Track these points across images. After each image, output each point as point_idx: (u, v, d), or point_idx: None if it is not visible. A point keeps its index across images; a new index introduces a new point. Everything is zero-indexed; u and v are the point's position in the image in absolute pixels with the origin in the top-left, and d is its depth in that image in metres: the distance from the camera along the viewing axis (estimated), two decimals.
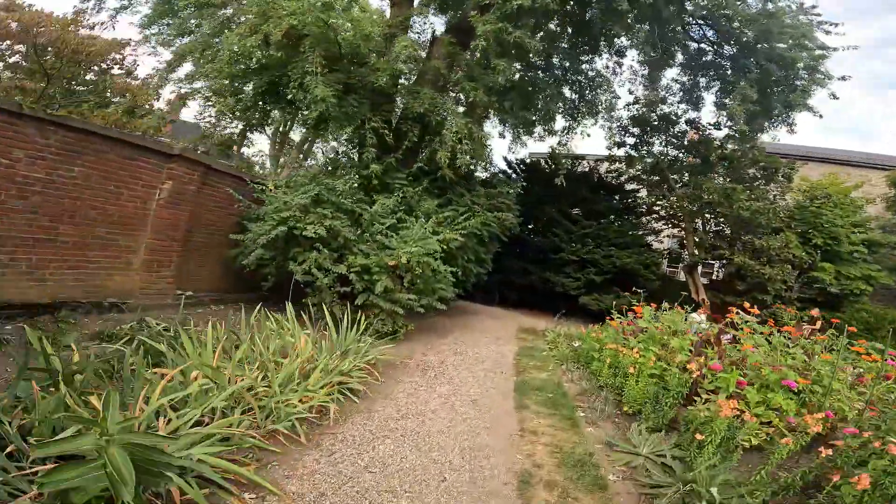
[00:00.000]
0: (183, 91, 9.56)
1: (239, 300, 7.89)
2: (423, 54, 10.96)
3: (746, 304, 6.72)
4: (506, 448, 4.10)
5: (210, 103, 9.72)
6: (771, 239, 13.47)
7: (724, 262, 15.47)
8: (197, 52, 9.52)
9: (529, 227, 14.45)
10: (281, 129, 15.43)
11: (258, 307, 5.44)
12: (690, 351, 5.47)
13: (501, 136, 14.00)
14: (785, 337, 5.39)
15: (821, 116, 12.34)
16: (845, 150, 23.99)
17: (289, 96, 8.02)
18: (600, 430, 4.76)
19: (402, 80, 9.88)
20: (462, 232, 8.16)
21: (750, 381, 4.58)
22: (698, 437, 3.74)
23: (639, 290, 7.47)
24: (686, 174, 15.07)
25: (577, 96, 12.38)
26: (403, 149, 8.63)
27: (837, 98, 11.79)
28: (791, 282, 13.52)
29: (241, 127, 10.11)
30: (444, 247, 8.04)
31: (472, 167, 10.59)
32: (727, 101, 12.72)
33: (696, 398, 4.72)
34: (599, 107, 11.97)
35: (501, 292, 14.34)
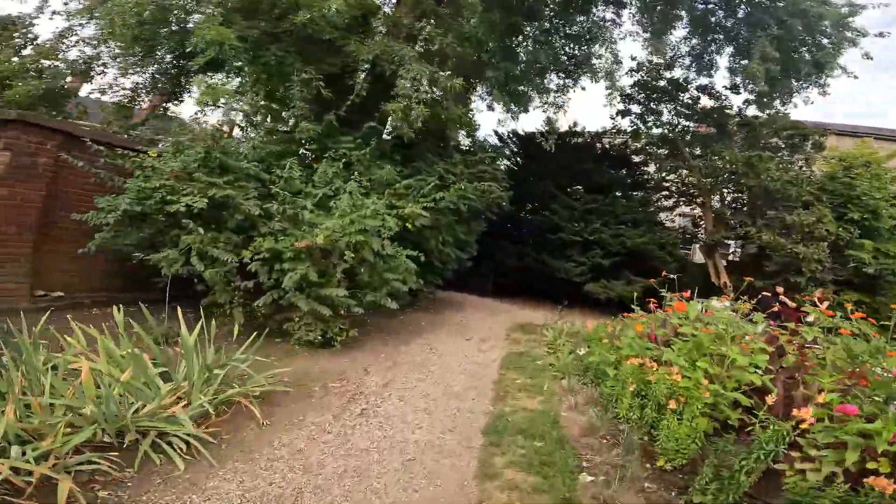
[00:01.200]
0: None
1: (138, 300, 5.70)
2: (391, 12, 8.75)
3: (779, 289, 5.15)
4: None
5: (107, 70, 7.52)
6: (803, 214, 10.94)
7: (743, 241, 12.96)
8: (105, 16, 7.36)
9: (528, 206, 11.98)
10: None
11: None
12: (769, 370, 3.11)
13: (490, 108, 11.49)
14: None
15: (855, 77, 10.13)
16: (862, 125, 20.84)
17: (188, 49, 5.82)
18: None
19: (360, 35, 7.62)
20: (427, 205, 5.83)
21: None
22: None
23: (669, 275, 5.09)
24: (698, 146, 12.56)
25: (570, 50, 9.87)
26: (349, 106, 6.31)
27: (871, 59, 9.56)
28: (826, 261, 10.98)
29: (150, 100, 7.92)
30: (409, 225, 5.80)
31: (450, 131, 8.27)
32: (744, 62, 10.33)
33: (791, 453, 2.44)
34: (597, 61, 9.45)
35: (495, 280, 11.89)
